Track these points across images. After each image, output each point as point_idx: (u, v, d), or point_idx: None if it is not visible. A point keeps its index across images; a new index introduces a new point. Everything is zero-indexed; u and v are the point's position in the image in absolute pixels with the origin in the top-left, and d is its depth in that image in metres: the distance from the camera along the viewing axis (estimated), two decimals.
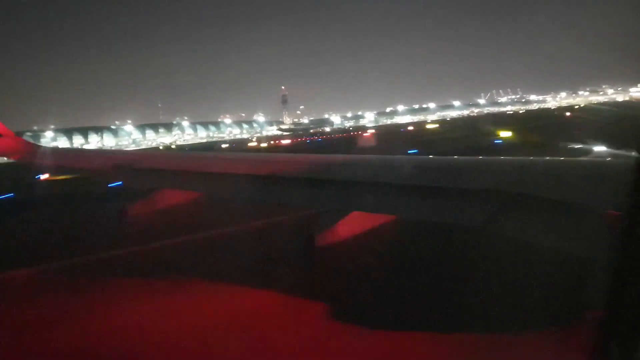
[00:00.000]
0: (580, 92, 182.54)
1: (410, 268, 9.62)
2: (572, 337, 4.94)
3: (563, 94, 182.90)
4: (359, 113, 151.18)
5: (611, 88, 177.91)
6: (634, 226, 2.31)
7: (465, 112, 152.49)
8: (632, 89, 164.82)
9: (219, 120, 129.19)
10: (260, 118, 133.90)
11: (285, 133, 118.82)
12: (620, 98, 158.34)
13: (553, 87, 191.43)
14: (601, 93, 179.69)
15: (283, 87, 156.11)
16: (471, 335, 6.45)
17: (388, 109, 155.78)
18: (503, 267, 8.46)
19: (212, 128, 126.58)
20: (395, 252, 10.18)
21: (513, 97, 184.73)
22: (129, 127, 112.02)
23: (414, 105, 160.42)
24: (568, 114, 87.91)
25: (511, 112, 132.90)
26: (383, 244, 9.60)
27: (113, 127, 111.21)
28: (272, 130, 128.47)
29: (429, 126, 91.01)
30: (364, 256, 9.55)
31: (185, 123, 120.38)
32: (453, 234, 9.85)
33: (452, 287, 8.23)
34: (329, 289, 8.69)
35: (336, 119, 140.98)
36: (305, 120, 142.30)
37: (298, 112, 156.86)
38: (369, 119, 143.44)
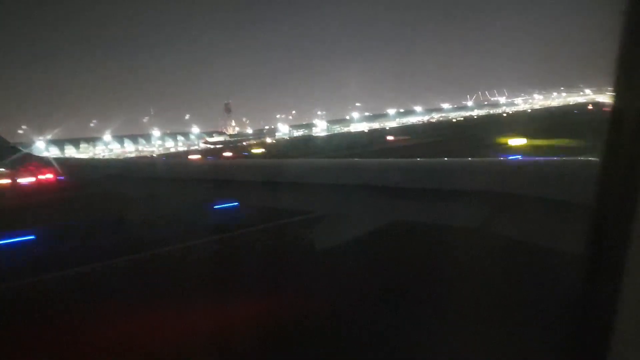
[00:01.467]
0: (555, 93, 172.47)
1: (409, 270, 9.88)
2: (564, 334, 4.99)
3: (536, 96, 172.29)
4: (314, 121, 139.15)
5: (589, 88, 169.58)
6: (603, 223, 2.52)
7: (426, 118, 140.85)
8: (610, 89, 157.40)
9: (149, 132, 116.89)
10: (195, 129, 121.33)
11: (217, 146, 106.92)
12: (600, 98, 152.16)
13: (549, 86, 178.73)
14: (581, 94, 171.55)
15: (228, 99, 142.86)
16: (470, 334, 6.63)
17: (347, 116, 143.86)
18: (500, 266, 8.42)
19: (142, 141, 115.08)
20: (394, 254, 10.49)
21: (486, 100, 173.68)
22: (41, 144, 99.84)
23: (371, 112, 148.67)
24: (391, 138, 67.27)
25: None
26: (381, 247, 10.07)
27: (26, 142, 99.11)
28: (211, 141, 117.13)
29: (254, 150, 70.37)
30: (362, 259, 9.81)
31: (107, 137, 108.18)
32: (450, 235, 9.49)
33: (451, 288, 8.26)
34: (329, 292, 9.06)
35: (284, 128, 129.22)
36: (249, 131, 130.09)
37: (245, 120, 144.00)
38: (321, 127, 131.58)
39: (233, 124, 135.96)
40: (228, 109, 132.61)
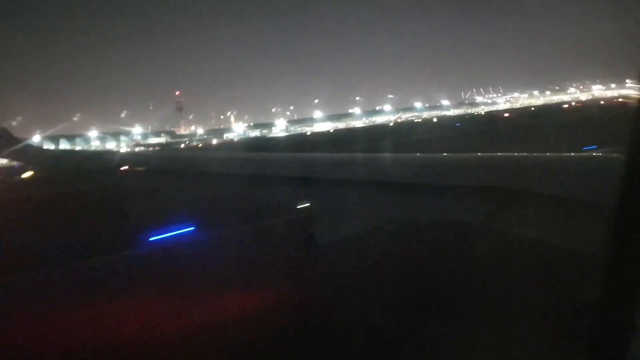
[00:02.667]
0: (536, 92, 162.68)
1: (411, 265, 9.66)
2: (570, 333, 4.95)
3: (516, 94, 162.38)
4: (273, 121, 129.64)
5: (573, 86, 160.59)
6: (627, 220, 2.41)
7: (393, 118, 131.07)
8: (594, 87, 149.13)
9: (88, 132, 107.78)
10: (137, 129, 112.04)
11: (156, 148, 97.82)
12: (584, 97, 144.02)
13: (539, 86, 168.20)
14: (568, 92, 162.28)
15: (178, 93, 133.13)
16: (471, 333, 6.52)
17: (314, 115, 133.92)
18: (503, 263, 8.19)
19: (81, 142, 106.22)
20: (395, 250, 10.31)
21: (466, 99, 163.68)
22: None
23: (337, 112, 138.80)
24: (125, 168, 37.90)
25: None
26: (383, 242, 9.86)
27: None
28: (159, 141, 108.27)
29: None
30: (363, 254, 9.86)
31: (37, 137, 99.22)
32: (452, 231, 9.55)
33: (452, 285, 8.17)
34: (329, 288, 9.01)
35: (239, 128, 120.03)
36: (200, 130, 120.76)
37: (191, 117, 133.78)
38: (280, 127, 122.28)
39: (190, 123, 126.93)
40: (180, 107, 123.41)
